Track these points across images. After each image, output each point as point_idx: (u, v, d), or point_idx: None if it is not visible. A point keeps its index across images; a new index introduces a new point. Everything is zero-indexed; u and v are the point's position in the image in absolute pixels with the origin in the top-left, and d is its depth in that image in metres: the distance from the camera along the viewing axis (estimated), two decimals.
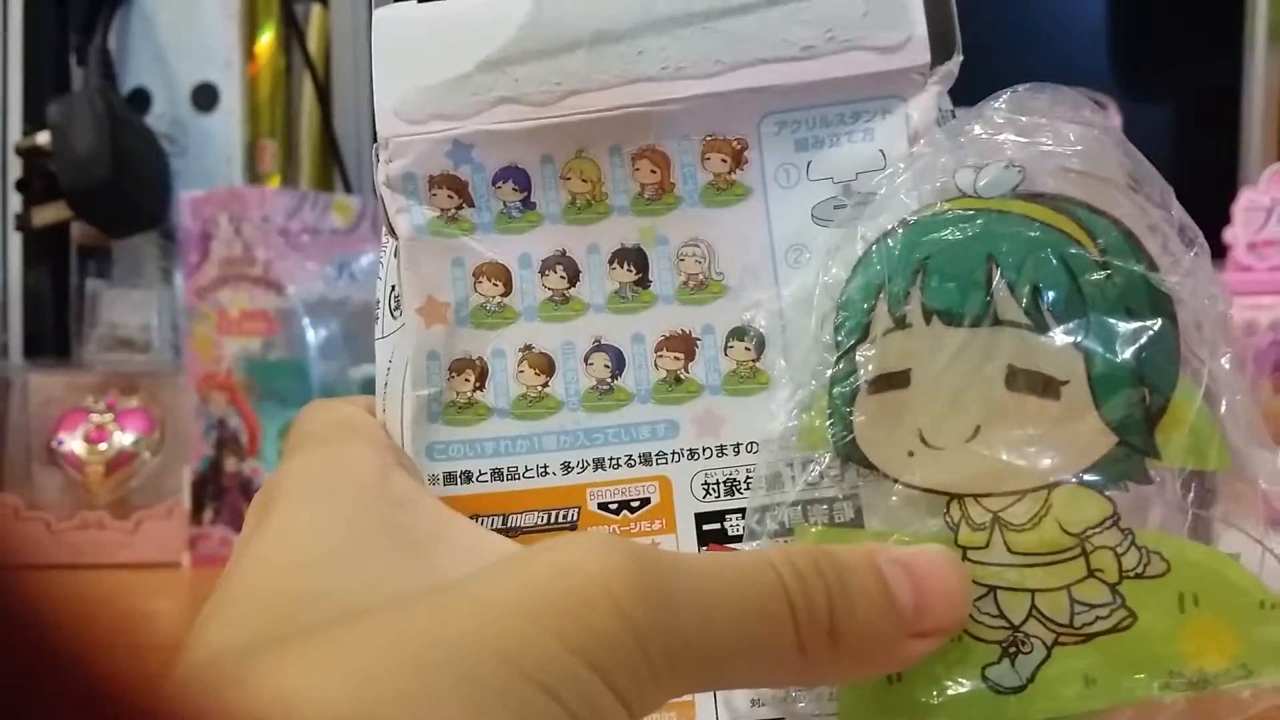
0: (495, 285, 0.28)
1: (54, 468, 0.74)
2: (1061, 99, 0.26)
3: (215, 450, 0.73)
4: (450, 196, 0.28)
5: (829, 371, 0.26)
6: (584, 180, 0.28)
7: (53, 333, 0.82)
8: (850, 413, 0.26)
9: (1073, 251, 0.25)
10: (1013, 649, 0.25)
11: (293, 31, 0.84)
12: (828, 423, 0.26)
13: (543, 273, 0.28)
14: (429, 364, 0.28)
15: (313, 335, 0.74)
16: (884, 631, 0.23)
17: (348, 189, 0.83)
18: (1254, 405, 0.25)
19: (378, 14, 0.29)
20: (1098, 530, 0.24)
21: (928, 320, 0.26)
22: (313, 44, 0.84)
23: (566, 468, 0.28)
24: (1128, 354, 0.25)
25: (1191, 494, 0.24)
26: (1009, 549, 0.25)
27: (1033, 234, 0.25)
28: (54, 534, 0.70)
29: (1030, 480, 0.25)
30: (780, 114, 0.28)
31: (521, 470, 0.28)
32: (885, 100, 0.27)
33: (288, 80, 0.85)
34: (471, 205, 0.28)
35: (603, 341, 0.28)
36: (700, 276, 0.28)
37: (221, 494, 0.73)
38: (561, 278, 0.28)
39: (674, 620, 0.21)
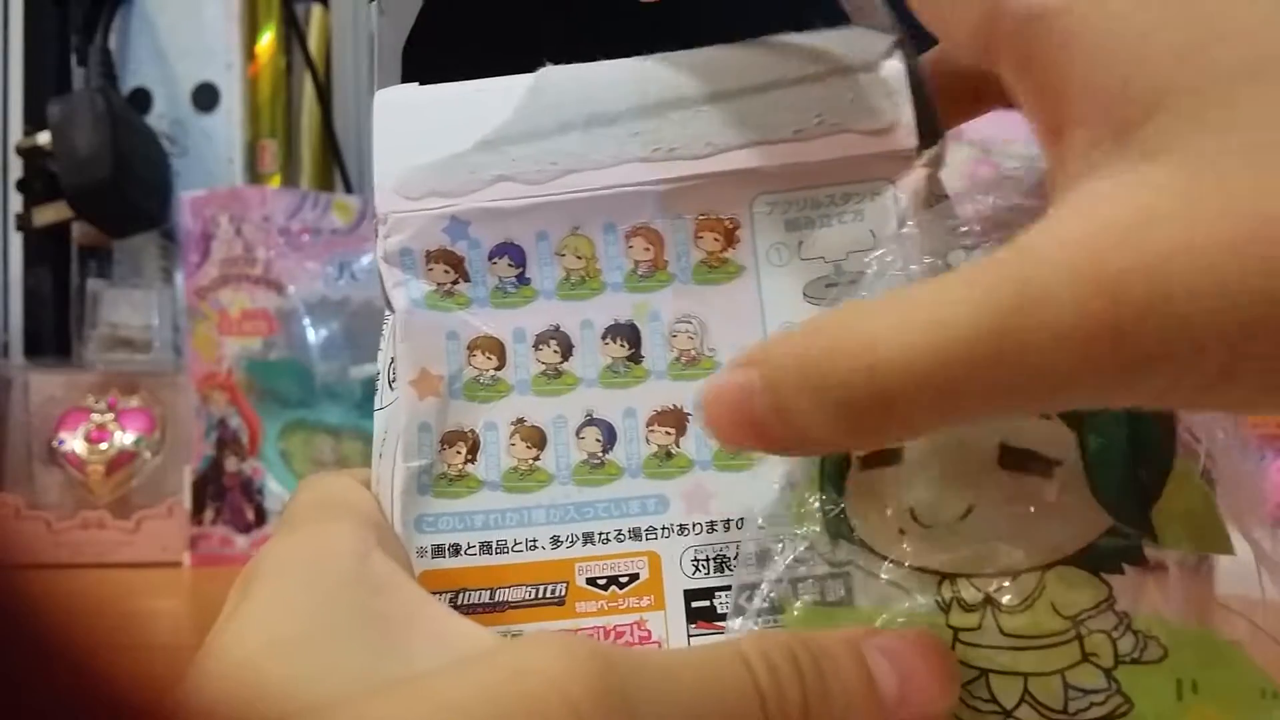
0: (489, 359, 0.29)
1: (55, 467, 0.74)
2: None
3: (216, 450, 0.73)
4: (447, 271, 0.29)
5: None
6: (578, 257, 0.29)
7: (53, 332, 0.82)
8: (841, 489, 0.26)
9: None
10: None
11: (293, 31, 0.84)
12: (818, 498, 0.26)
13: (536, 347, 0.29)
14: (421, 436, 0.28)
15: (313, 335, 0.74)
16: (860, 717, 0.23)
17: (348, 189, 0.83)
18: (1256, 485, 0.24)
19: (379, 95, 0.30)
20: (1092, 614, 0.24)
21: None
22: (313, 44, 0.84)
23: (555, 542, 0.28)
24: (1122, 432, 0.24)
25: (1191, 577, 0.24)
26: (1002, 631, 0.24)
27: None
28: (54, 533, 0.70)
29: (1023, 561, 0.24)
30: (772, 194, 0.28)
31: (510, 544, 0.28)
32: (874, 183, 0.28)
33: (288, 80, 0.85)
34: (467, 280, 0.29)
35: (594, 416, 0.28)
36: (692, 353, 0.28)
37: (222, 494, 0.73)
38: (555, 352, 0.29)
39: None
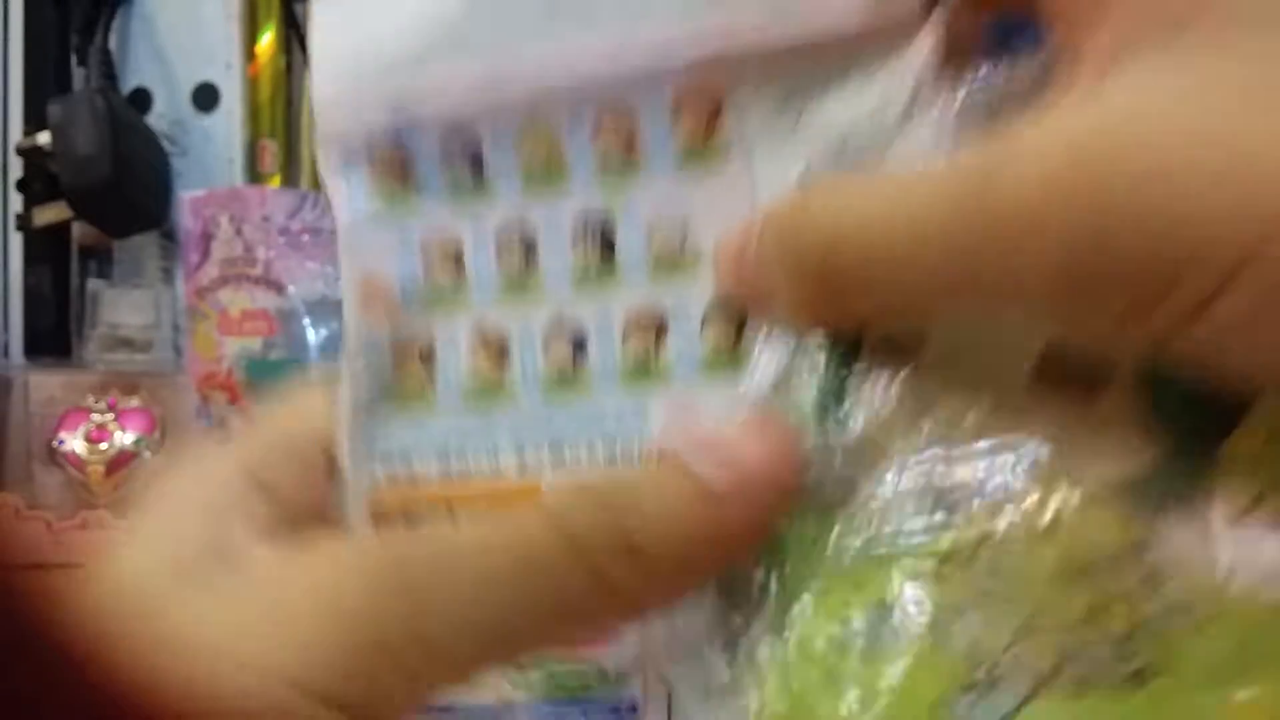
0: (445, 264, 0.26)
1: (55, 467, 0.74)
2: None
3: None
4: (394, 174, 0.26)
5: (823, 336, 0.23)
6: (541, 147, 0.25)
7: (53, 333, 0.82)
8: (845, 383, 0.22)
9: None
10: (974, 688, 0.20)
11: (293, 31, 0.84)
12: (816, 390, 0.23)
13: (497, 250, 0.26)
14: (371, 351, 0.26)
15: (313, 335, 0.74)
16: (698, 527, 0.22)
17: None
18: None
19: (315, 6, 0.28)
20: (1117, 561, 0.19)
21: None
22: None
23: (522, 463, 0.25)
24: None
25: (1256, 532, 0.19)
26: (1000, 567, 0.20)
27: None
28: (54, 534, 0.70)
29: (1045, 487, 0.20)
30: (762, 67, 0.24)
31: (472, 467, 0.26)
32: (878, 46, 0.23)
33: (288, 80, 0.85)
34: (418, 181, 0.26)
35: (564, 323, 0.26)
36: (673, 253, 0.25)
37: None
38: (518, 254, 0.26)
39: (427, 609, 0.21)
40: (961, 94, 0.23)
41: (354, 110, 0.26)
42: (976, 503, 0.21)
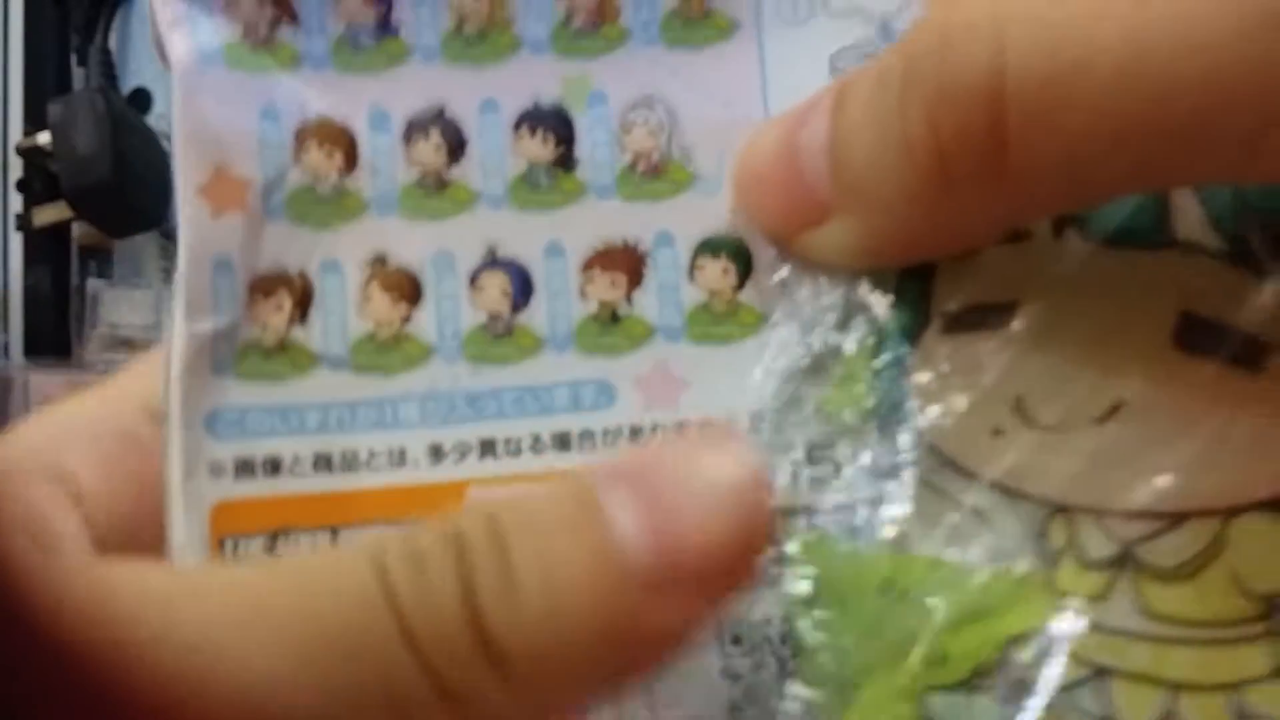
0: (331, 155, 0.19)
1: None
2: None
3: None
4: (261, 5, 0.19)
5: (875, 297, 0.17)
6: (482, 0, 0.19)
7: (53, 333, 0.82)
8: (905, 362, 0.17)
9: None
10: None
11: None
12: (869, 380, 0.17)
13: (409, 139, 0.19)
14: (216, 279, 0.18)
15: None
16: (598, 620, 0.13)
17: None
18: None
19: None
20: None
21: (1058, 230, 0.17)
22: None
23: (436, 454, 0.19)
24: None
25: None
26: (1144, 609, 0.15)
27: None
28: None
29: (1196, 497, 0.16)
30: None
31: (364, 457, 0.19)
32: None
33: None
34: (295, 21, 0.19)
35: (499, 254, 0.19)
36: (654, 157, 0.19)
37: None
38: (438, 149, 0.19)
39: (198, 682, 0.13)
40: None
41: None
42: (1108, 518, 0.16)
